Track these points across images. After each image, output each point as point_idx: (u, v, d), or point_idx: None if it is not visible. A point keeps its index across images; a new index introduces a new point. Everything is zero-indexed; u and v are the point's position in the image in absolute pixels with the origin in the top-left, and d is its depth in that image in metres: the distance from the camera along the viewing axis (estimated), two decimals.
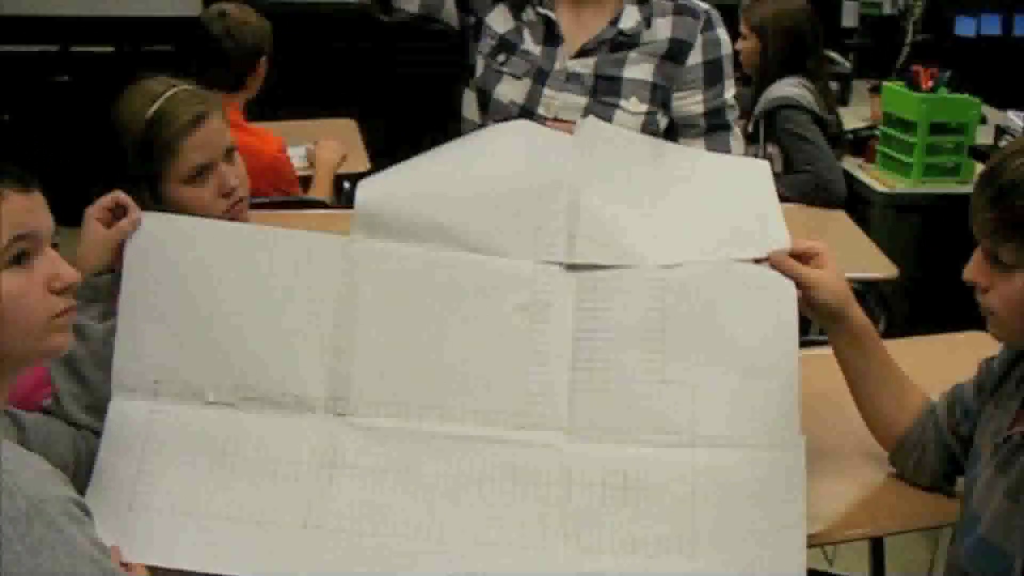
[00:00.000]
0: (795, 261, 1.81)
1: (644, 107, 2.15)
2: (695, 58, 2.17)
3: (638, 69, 2.15)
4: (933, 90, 3.80)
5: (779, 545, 1.68)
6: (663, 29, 2.16)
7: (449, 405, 1.73)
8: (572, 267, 1.79)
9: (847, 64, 4.99)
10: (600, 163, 1.89)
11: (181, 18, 3.52)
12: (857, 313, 1.85)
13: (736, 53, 4.00)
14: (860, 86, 4.94)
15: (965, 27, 5.43)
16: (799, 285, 1.80)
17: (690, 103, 2.19)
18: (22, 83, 5.44)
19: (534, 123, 2.02)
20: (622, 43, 2.15)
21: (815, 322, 1.89)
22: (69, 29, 5.43)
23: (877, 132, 4.11)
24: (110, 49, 5.40)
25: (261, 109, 3.66)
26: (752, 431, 1.72)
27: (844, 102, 4.81)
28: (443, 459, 1.70)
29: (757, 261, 1.81)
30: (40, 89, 5.40)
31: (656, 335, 1.75)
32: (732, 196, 1.92)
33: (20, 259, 1.41)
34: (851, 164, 4.09)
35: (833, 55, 4.98)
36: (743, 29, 4.03)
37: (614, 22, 2.15)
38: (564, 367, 1.75)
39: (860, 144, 4.16)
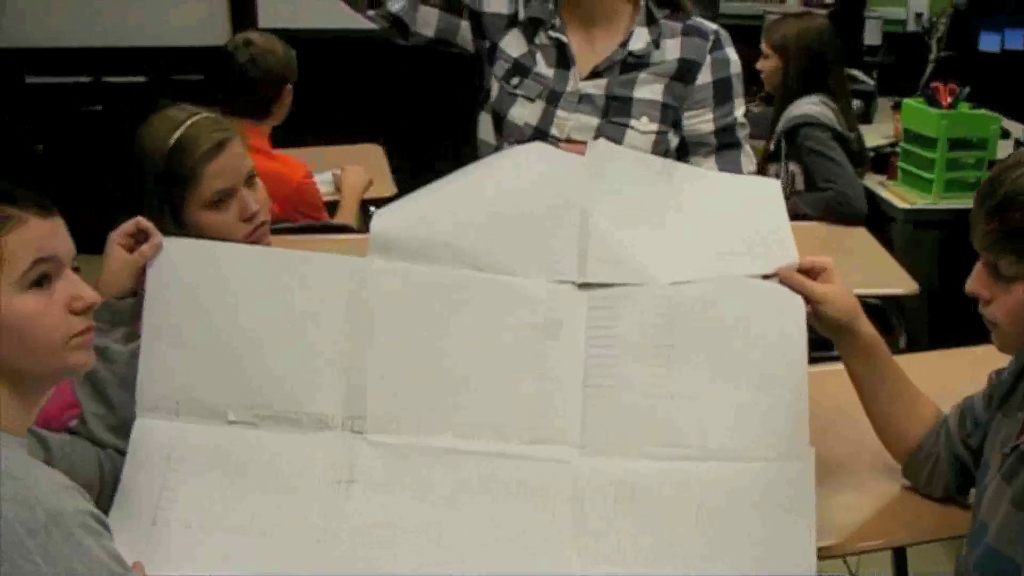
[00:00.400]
0: (803, 276, 1.83)
1: (655, 127, 2.18)
2: (704, 78, 2.20)
3: (648, 89, 2.18)
4: (952, 106, 3.80)
5: (788, 556, 1.70)
6: (672, 50, 2.19)
7: (463, 421, 1.76)
8: (583, 286, 1.82)
9: (870, 82, 4.99)
10: (610, 183, 1.93)
11: (211, 47, 3.58)
12: (866, 327, 1.87)
13: (758, 72, 4.05)
14: (884, 104, 4.94)
15: (989, 43, 5.42)
16: (807, 300, 1.82)
17: (700, 122, 2.21)
18: (56, 114, 5.52)
19: (546, 145, 2.05)
20: (632, 64, 2.18)
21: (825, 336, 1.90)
22: (102, 60, 5.50)
23: (898, 149, 4.12)
24: (142, 79, 5.47)
25: (288, 136, 3.71)
26: (761, 443, 1.75)
27: (868, 120, 4.81)
28: (457, 474, 1.74)
29: (766, 277, 1.83)
30: (74, 119, 5.48)
31: (665, 351, 1.79)
32: (741, 214, 1.94)
33: (41, 281, 1.46)
34: (873, 181, 4.09)
35: (856, 73, 4.98)
36: (765, 48, 4.05)
37: (624, 44, 2.18)
38: (575, 383, 1.78)
39: (882, 161, 4.17)
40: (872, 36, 5.49)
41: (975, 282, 1.68)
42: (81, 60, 5.50)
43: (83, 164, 5.09)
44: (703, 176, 2.12)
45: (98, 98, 5.49)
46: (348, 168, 3.95)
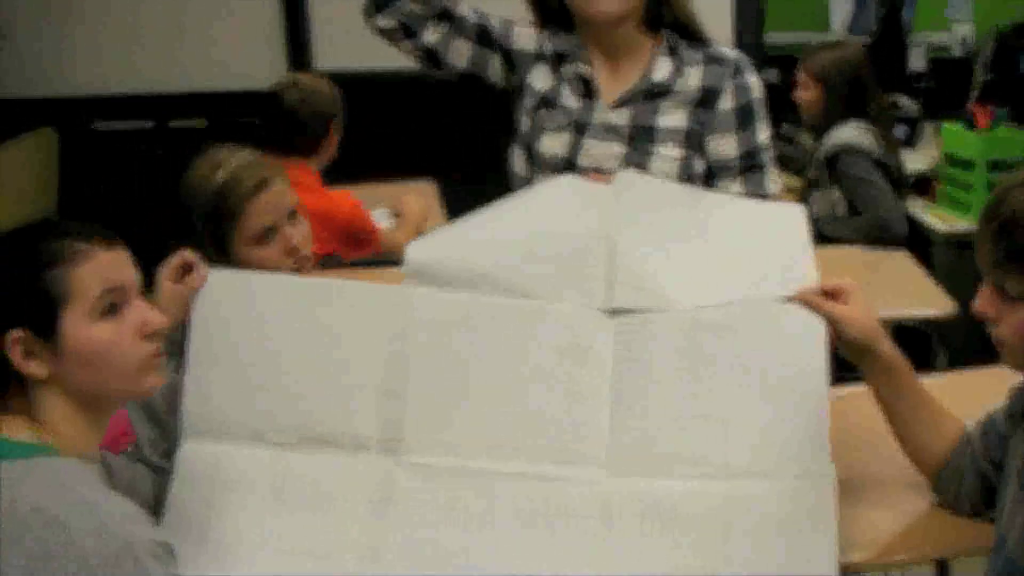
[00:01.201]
0: (824, 299, 1.86)
1: (680, 152, 2.22)
2: (726, 104, 2.24)
3: (672, 117, 2.23)
4: (991, 128, 3.82)
5: (812, 572, 1.73)
6: (694, 78, 2.24)
7: (495, 443, 1.82)
8: (611, 311, 1.88)
9: (915, 107, 5.00)
10: (637, 211, 1.99)
11: (271, 91, 3.69)
12: (887, 348, 1.89)
13: (795, 104, 4.09)
14: (929, 128, 4.92)
15: None
16: (829, 322, 1.85)
17: (724, 146, 2.25)
18: (122, 158, 5.65)
19: (574, 177, 2.13)
20: (656, 93, 2.23)
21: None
22: (164, 105, 5.60)
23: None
24: (203, 123, 5.60)
25: (343, 175, 3.78)
26: (784, 462, 1.78)
27: (912, 144, 4.81)
28: (490, 495, 1.79)
29: (788, 300, 1.87)
30: (138, 163, 5.60)
31: (690, 373, 1.83)
32: (763, 238, 1.99)
33: (111, 310, 1.56)
34: (914, 204, 4.11)
35: (901, 98, 5.00)
36: (803, 79, 4.06)
37: (647, 74, 2.23)
38: (603, 406, 1.83)
39: (924, 184, 4.19)
40: (917, 62, 5.50)
41: (982, 303, 1.69)
42: (145, 106, 5.60)
43: (149, 207, 5.21)
44: (727, 202, 2.16)
45: (161, 142, 5.62)
46: (407, 196, 4.02)
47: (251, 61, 5.54)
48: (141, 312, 1.59)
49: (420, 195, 4.12)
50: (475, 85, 2.40)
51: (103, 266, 1.56)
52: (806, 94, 4.06)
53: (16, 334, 1.50)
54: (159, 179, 5.15)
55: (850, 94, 3.97)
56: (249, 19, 5.56)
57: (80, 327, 1.53)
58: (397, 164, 4.74)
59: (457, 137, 5.48)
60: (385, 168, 4.60)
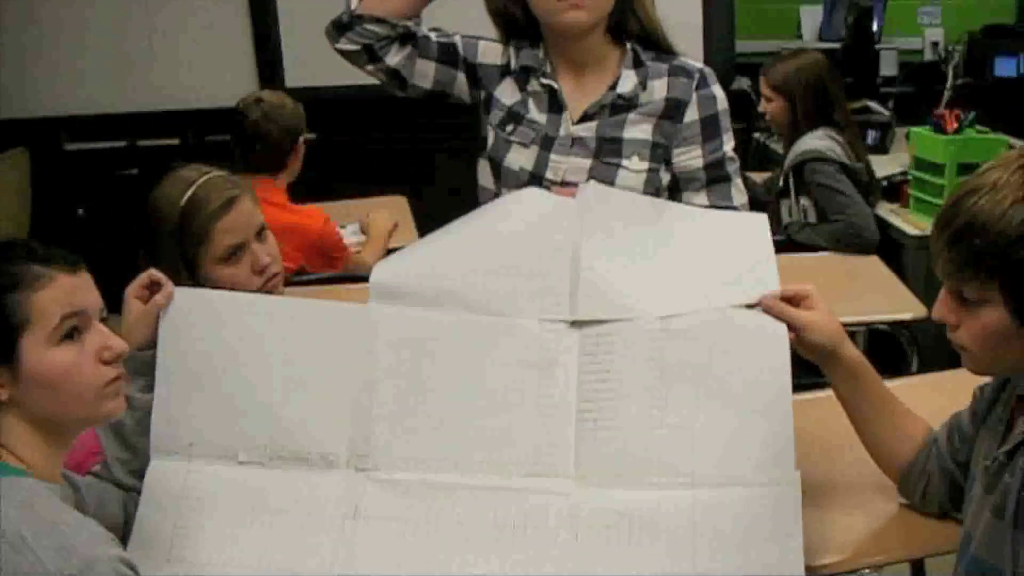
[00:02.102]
0: (786, 304, 1.87)
1: (646, 165, 2.23)
2: (691, 115, 2.25)
3: (638, 129, 2.24)
4: (959, 131, 3.85)
5: None
6: (659, 90, 2.25)
7: (464, 458, 1.83)
8: (575, 323, 1.89)
9: (886, 112, 5.02)
10: (600, 223, 1.99)
11: (235, 109, 3.70)
12: (850, 351, 1.91)
13: (762, 115, 4.12)
14: (901, 133, 4.93)
15: (1005, 68, 5.45)
16: (791, 327, 1.86)
17: (690, 158, 2.26)
18: (94, 178, 5.65)
19: (539, 190, 2.14)
20: (621, 106, 2.24)
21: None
22: (136, 124, 5.62)
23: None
24: (175, 141, 5.60)
25: (314, 191, 3.81)
26: (749, 469, 1.78)
27: (884, 150, 4.83)
28: (459, 508, 1.80)
29: (750, 307, 1.88)
30: (111, 183, 5.60)
31: (656, 382, 1.84)
32: (726, 247, 2.00)
33: (71, 334, 1.56)
34: (885, 209, 4.13)
35: (872, 104, 5.02)
36: (766, 92, 4.08)
37: (613, 87, 2.24)
38: (570, 418, 1.84)
39: (894, 189, 4.21)
40: (888, 67, 5.53)
41: (941, 308, 1.71)
42: (116, 125, 5.62)
43: (121, 226, 5.19)
44: (690, 212, 2.17)
45: (133, 161, 5.62)
46: (374, 212, 4.05)
47: (222, 80, 5.56)
48: (102, 337, 1.59)
49: (388, 211, 4.14)
50: (442, 102, 2.41)
51: (64, 291, 1.56)
52: (770, 106, 4.09)
53: None
54: (131, 198, 5.17)
55: (814, 102, 3.99)
56: (219, 38, 5.59)
57: (39, 352, 1.53)
58: (368, 179, 4.76)
59: (428, 152, 5.50)
60: (356, 184, 4.62)
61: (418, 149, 5.50)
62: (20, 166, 5.57)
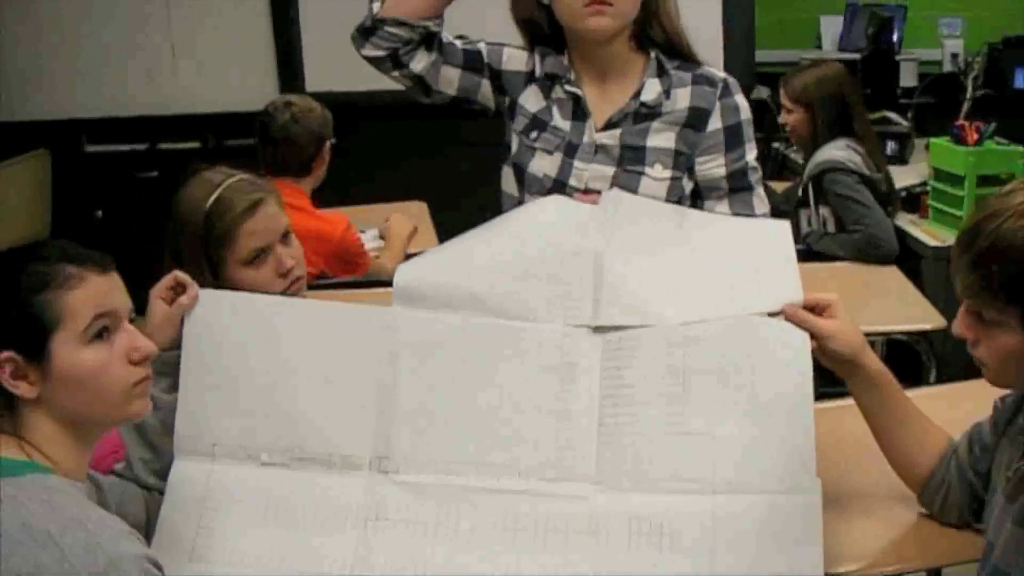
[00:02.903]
0: (808, 313, 1.88)
1: (668, 173, 2.24)
2: (714, 124, 2.26)
3: (661, 137, 2.25)
4: (979, 143, 3.85)
5: None
6: (683, 99, 2.26)
7: (485, 461, 1.84)
8: (598, 329, 1.90)
9: (904, 123, 5.02)
10: (623, 230, 2.00)
11: (264, 112, 3.73)
12: (871, 360, 1.91)
13: (782, 125, 4.12)
14: (920, 144, 4.94)
15: None
16: (813, 336, 1.86)
17: (712, 167, 2.27)
18: (114, 180, 5.67)
19: (562, 197, 2.14)
20: (645, 114, 2.25)
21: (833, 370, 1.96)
22: (157, 127, 5.64)
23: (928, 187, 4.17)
24: (196, 144, 5.62)
25: (335, 196, 3.82)
26: (770, 476, 1.79)
27: (904, 160, 4.83)
28: (479, 511, 1.81)
29: (772, 315, 1.89)
30: (131, 185, 5.62)
31: (676, 389, 1.84)
32: (748, 254, 2.00)
33: (101, 335, 1.57)
34: (905, 220, 4.13)
35: (891, 115, 5.03)
36: (786, 103, 4.09)
37: (637, 95, 2.25)
38: (591, 423, 1.85)
39: (914, 200, 4.21)
40: (907, 78, 5.54)
41: (960, 325, 1.73)
42: (137, 128, 5.64)
43: (140, 228, 5.21)
44: (712, 220, 2.18)
45: (154, 164, 5.64)
46: (394, 216, 4.07)
47: (242, 84, 5.59)
48: (131, 337, 1.61)
49: (406, 216, 4.16)
50: (465, 109, 2.43)
51: (95, 291, 1.57)
52: (790, 117, 4.10)
53: (5, 355, 1.51)
54: (151, 200, 5.19)
55: (833, 113, 4.00)
56: (241, 43, 5.61)
57: (70, 351, 1.54)
58: (388, 185, 4.77)
59: (448, 157, 5.51)
60: (375, 189, 4.63)
61: (438, 154, 5.51)
62: (41, 167, 5.61)
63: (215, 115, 5.57)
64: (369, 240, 3.89)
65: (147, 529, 1.80)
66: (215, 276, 2.10)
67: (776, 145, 5.21)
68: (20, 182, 5.43)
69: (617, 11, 2.18)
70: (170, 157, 5.60)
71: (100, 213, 5.68)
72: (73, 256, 1.57)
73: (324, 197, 3.71)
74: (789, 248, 2.01)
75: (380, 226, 4.10)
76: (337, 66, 5.27)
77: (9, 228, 5.14)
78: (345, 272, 3.53)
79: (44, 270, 1.54)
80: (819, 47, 5.96)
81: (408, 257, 3.82)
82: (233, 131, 5.39)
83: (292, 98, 3.67)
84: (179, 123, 5.63)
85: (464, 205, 3.94)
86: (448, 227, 3.74)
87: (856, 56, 5.40)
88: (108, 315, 1.58)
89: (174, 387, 1.87)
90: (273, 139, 3.52)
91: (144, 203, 5.26)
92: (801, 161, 4.24)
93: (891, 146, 4.78)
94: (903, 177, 4.41)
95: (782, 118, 4.13)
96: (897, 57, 5.48)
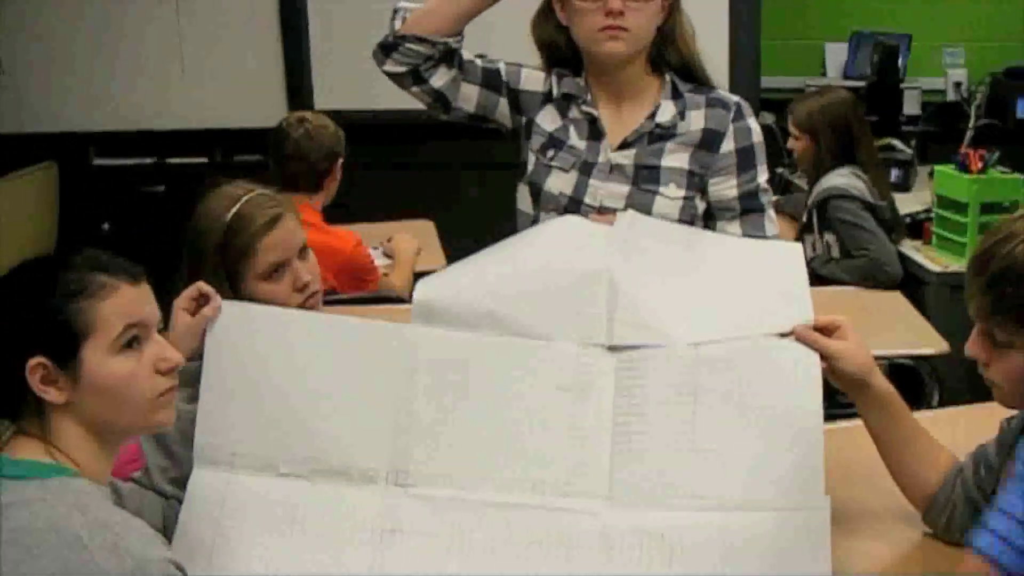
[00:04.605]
0: (819, 334, 1.90)
1: (682, 193, 2.28)
2: (727, 146, 2.31)
3: (675, 158, 2.29)
4: (983, 171, 3.89)
5: None
6: (697, 121, 2.31)
7: (500, 476, 1.86)
8: (611, 348, 1.92)
9: (908, 151, 5.05)
10: (638, 250, 2.03)
11: (269, 129, 3.74)
12: (880, 381, 1.94)
13: (790, 152, 4.15)
14: (923, 172, 4.96)
15: None
16: (823, 356, 1.89)
17: (725, 188, 2.32)
18: (121, 194, 5.69)
19: (577, 217, 2.18)
20: (660, 135, 2.30)
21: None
22: (164, 142, 5.66)
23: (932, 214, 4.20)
24: (203, 160, 5.64)
25: (341, 214, 3.83)
26: (779, 494, 1.81)
27: (907, 188, 4.85)
28: (493, 526, 1.83)
29: (783, 335, 1.91)
30: (138, 199, 5.65)
31: (688, 407, 1.87)
32: (760, 275, 2.03)
33: (131, 344, 1.59)
34: (908, 246, 4.16)
35: (895, 142, 5.05)
36: (793, 130, 4.11)
37: (652, 116, 2.30)
38: (604, 440, 1.87)
39: (917, 227, 4.24)
40: (911, 106, 5.58)
41: (973, 346, 1.76)
42: (145, 142, 5.67)
43: (147, 242, 5.23)
44: (725, 241, 2.22)
45: (161, 179, 5.67)
46: (397, 236, 4.10)
47: (251, 100, 5.61)
48: (159, 348, 1.63)
49: (411, 234, 4.18)
50: (479, 127, 2.46)
51: (127, 301, 1.59)
52: (796, 144, 4.12)
53: (37, 361, 1.53)
54: (158, 214, 5.22)
55: (838, 141, 4.03)
56: (250, 59, 5.63)
57: (100, 359, 1.56)
58: (394, 203, 4.79)
59: (454, 175, 5.53)
60: (382, 207, 4.65)
61: (445, 173, 5.54)
62: (49, 180, 5.63)
63: (223, 131, 5.59)
64: (375, 258, 3.91)
65: (164, 537, 1.81)
66: (232, 288, 2.10)
67: (779, 170, 5.24)
68: (27, 194, 5.46)
69: (632, 36, 2.23)
70: (177, 172, 5.63)
71: (107, 226, 5.69)
72: (105, 265, 1.59)
73: (329, 214, 3.74)
74: (801, 269, 2.03)
75: (384, 245, 4.12)
76: (346, 84, 5.36)
77: (16, 240, 5.15)
78: (354, 288, 3.55)
79: (77, 278, 1.56)
80: (824, 74, 5.99)
81: (416, 275, 3.86)
82: (241, 147, 5.41)
83: (306, 114, 3.70)
84: (187, 138, 5.65)
85: (471, 224, 3.97)
86: (455, 246, 3.77)
87: (861, 84, 5.43)
88: (138, 325, 1.60)
89: (194, 397, 1.88)
90: (286, 155, 3.55)
91: (151, 217, 5.31)
92: (805, 187, 4.27)
93: (895, 173, 4.80)
94: (906, 204, 4.43)
95: (790, 144, 4.16)
96: (901, 85, 5.52)
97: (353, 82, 5.22)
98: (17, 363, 1.53)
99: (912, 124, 5.58)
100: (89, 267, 1.58)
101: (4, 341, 1.54)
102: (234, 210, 2.11)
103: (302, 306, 2.14)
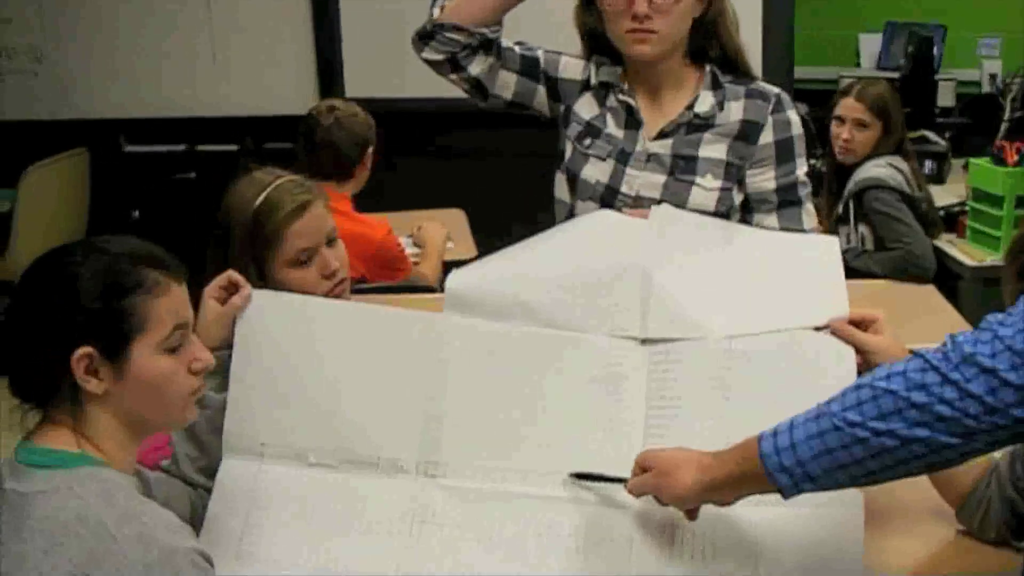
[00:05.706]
0: (854, 328, 1.89)
1: (719, 184, 2.26)
2: (766, 137, 2.28)
3: (713, 149, 2.27)
4: (1018, 164, 3.85)
5: None
6: (735, 112, 2.28)
7: (530, 468, 1.85)
8: (645, 341, 1.91)
9: (943, 143, 5.02)
10: (672, 244, 2.02)
11: (300, 116, 3.73)
12: None
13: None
14: (958, 164, 4.95)
15: None
16: (858, 351, 1.88)
17: (762, 180, 2.29)
18: (152, 181, 5.71)
19: (611, 211, 2.17)
20: (698, 125, 2.28)
21: None
22: (195, 129, 5.67)
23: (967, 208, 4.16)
24: (233, 147, 5.64)
25: (372, 202, 3.84)
26: None
27: (941, 180, 4.83)
28: (522, 517, 1.82)
29: (818, 329, 1.90)
30: (168, 186, 5.66)
31: (721, 401, 1.86)
32: (795, 269, 2.02)
33: (179, 344, 1.60)
34: (942, 239, 4.13)
35: (929, 134, 5.02)
36: (861, 115, 3.95)
37: (690, 106, 2.28)
38: (636, 433, 1.86)
39: (952, 220, 4.21)
40: (945, 98, 5.54)
41: None
42: (176, 129, 5.68)
43: (176, 229, 5.24)
44: (760, 235, 2.20)
45: (192, 166, 5.68)
46: (426, 224, 4.09)
47: (282, 87, 5.61)
48: (195, 348, 1.64)
49: (440, 224, 4.16)
50: (518, 114, 2.45)
51: (177, 301, 1.60)
52: (864, 132, 3.97)
53: (85, 350, 1.53)
54: (188, 201, 5.24)
55: (885, 130, 3.98)
56: (282, 47, 5.63)
57: (148, 356, 1.56)
58: (424, 192, 4.78)
59: (488, 164, 5.52)
60: (412, 195, 4.65)
61: (476, 162, 5.53)
62: (80, 166, 5.65)
63: (254, 118, 5.59)
64: (404, 247, 3.90)
65: (192, 526, 1.80)
66: (260, 275, 2.10)
67: (813, 162, 5.20)
68: (59, 181, 5.48)
69: (661, 38, 2.21)
70: (208, 159, 5.63)
71: (137, 213, 5.71)
72: (160, 262, 1.59)
73: (359, 203, 3.73)
74: (837, 264, 2.02)
75: (413, 234, 4.11)
76: (377, 72, 5.36)
77: (47, 226, 5.19)
78: (384, 277, 3.54)
79: (136, 272, 1.56)
80: (858, 65, 5.96)
81: (446, 265, 3.86)
82: (272, 134, 5.42)
83: (336, 103, 3.70)
84: (218, 125, 5.65)
85: (501, 214, 3.95)
86: (486, 235, 3.76)
87: (895, 75, 5.39)
88: (184, 326, 1.61)
89: (223, 386, 1.88)
90: (317, 143, 3.55)
91: (181, 204, 5.33)
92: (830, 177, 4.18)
93: (929, 166, 4.77)
94: (940, 197, 4.41)
95: (846, 132, 3.99)
96: (936, 77, 5.47)
97: (384, 70, 5.24)
98: (63, 351, 1.52)
99: (946, 116, 5.54)
100: (146, 262, 1.58)
101: (55, 328, 1.54)
102: (262, 196, 2.11)
103: (330, 293, 2.14)
